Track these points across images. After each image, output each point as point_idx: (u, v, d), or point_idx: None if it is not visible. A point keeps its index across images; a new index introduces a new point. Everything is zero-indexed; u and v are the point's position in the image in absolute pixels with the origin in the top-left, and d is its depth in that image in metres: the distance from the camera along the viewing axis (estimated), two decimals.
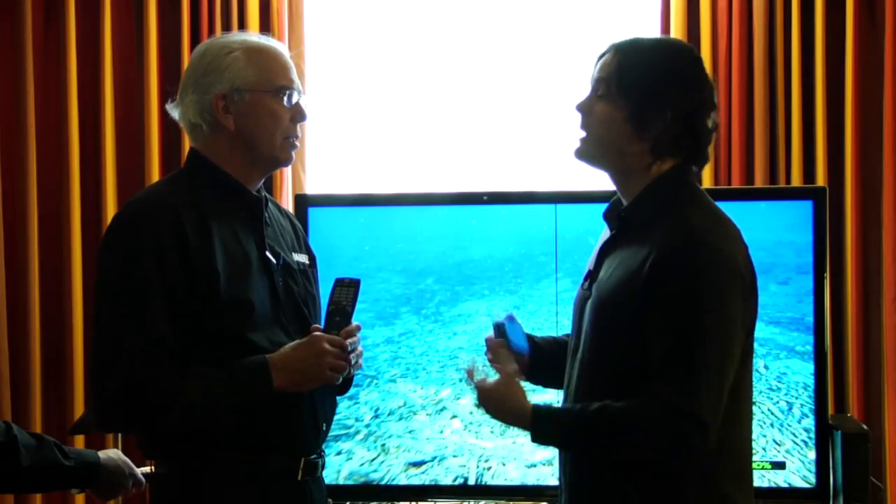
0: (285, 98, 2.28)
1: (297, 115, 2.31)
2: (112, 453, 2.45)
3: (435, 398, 3.20)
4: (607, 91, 2.10)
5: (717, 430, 1.99)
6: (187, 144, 3.78)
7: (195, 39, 3.78)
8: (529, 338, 2.35)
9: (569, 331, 2.33)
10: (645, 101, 2.07)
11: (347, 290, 2.28)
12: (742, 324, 2.05)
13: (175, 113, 2.34)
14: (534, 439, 2.11)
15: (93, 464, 2.38)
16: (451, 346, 3.22)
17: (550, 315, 3.18)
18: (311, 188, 3.82)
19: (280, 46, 2.34)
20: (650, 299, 2.01)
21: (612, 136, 2.10)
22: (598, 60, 2.16)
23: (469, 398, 3.15)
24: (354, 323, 2.27)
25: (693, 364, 1.97)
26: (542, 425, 2.08)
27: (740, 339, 2.05)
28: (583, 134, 2.15)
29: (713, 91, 2.15)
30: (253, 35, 2.36)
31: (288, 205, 3.56)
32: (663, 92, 2.08)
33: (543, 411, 2.10)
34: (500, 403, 2.15)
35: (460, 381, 3.20)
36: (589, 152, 2.15)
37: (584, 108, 2.14)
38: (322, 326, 2.26)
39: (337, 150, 3.98)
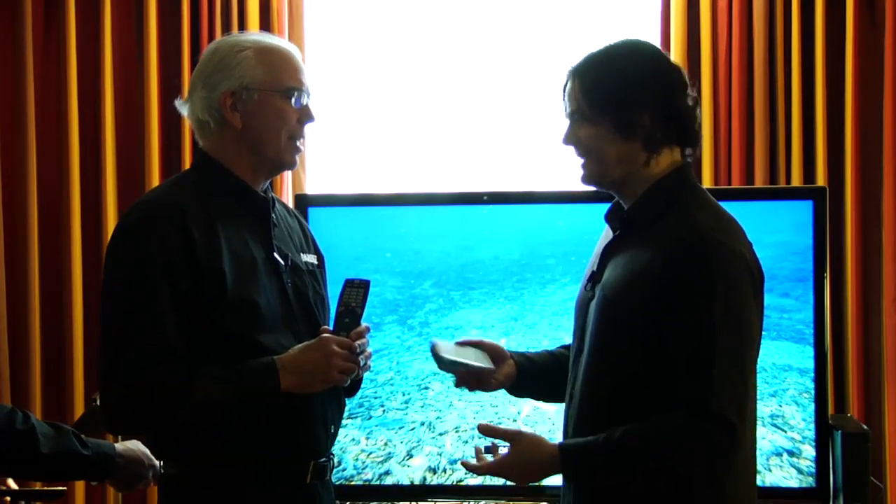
0: (294, 99, 2.27)
1: (305, 116, 2.30)
2: (131, 444, 2.47)
3: (381, 453, 3.02)
4: (583, 116, 2.13)
5: (747, 429, 2.02)
6: (188, 145, 3.80)
7: (195, 39, 3.78)
8: (520, 354, 2.37)
9: (563, 341, 2.34)
10: (621, 109, 2.09)
11: (357, 291, 2.26)
12: (758, 322, 2.08)
13: (184, 110, 2.33)
14: (568, 478, 2.09)
15: (108, 454, 2.41)
16: (425, 371, 3.09)
17: (552, 327, 3.09)
18: (311, 188, 3.82)
19: (292, 48, 2.33)
20: (664, 301, 2.02)
21: (609, 152, 2.12)
22: (563, 91, 2.18)
23: (420, 459, 3.03)
24: (364, 324, 2.26)
25: (714, 366, 1.98)
26: (572, 461, 2.06)
27: (758, 336, 2.08)
28: (582, 161, 2.17)
29: (680, 71, 2.17)
30: (266, 35, 2.35)
31: (288, 204, 3.56)
32: (635, 93, 2.10)
33: (572, 447, 2.07)
34: (524, 468, 2.10)
35: (422, 424, 3.00)
36: (594, 174, 2.17)
37: (570, 139, 2.17)
38: (331, 327, 2.26)
39: (337, 150, 3.98)
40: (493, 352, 2.34)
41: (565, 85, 2.17)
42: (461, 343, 2.36)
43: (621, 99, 2.09)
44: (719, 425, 1.98)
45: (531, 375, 2.36)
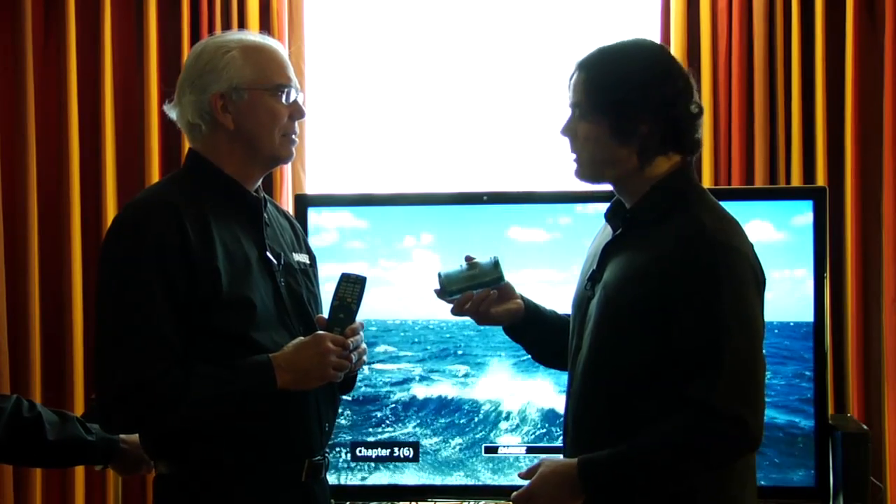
0: (283, 96, 2.28)
1: (296, 112, 2.31)
2: None
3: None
4: (584, 111, 2.13)
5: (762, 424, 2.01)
6: (187, 144, 3.79)
7: (195, 39, 3.77)
8: (532, 301, 2.39)
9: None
10: (621, 114, 2.09)
11: (353, 287, 2.27)
12: (762, 319, 2.08)
13: (172, 113, 2.34)
14: (588, 491, 2.05)
15: (112, 440, 2.45)
16: None
17: None
18: (311, 188, 3.82)
19: (277, 44, 2.34)
20: (669, 299, 2.02)
21: (602, 153, 2.13)
22: (569, 81, 2.17)
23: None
24: (358, 321, 2.27)
25: (724, 364, 1.98)
26: (591, 473, 2.04)
27: (763, 333, 2.08)
28: (574, 156, 2.17)
29: (688, 78, 2.16)
30: (249, 33, 2.35)
31: (288, 205, 3.56)
32: (636, 99, 2.09)
33: (590, 460, 2.05)
34: (546, 486, 2.09)
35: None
36: (586, 173, 2.18)
37: (568, 131, 2.17)
38: (327, 318, 2.25)
39: (337, 149, 3.98)
40: (502, 290, 2.34)
41: (572, 75, 2.17)
42: (470, 259, 2.34)
43: (622, 104, 2.08)
44: (732, 424, 1.98)
45: (538, 321, 2.37)
